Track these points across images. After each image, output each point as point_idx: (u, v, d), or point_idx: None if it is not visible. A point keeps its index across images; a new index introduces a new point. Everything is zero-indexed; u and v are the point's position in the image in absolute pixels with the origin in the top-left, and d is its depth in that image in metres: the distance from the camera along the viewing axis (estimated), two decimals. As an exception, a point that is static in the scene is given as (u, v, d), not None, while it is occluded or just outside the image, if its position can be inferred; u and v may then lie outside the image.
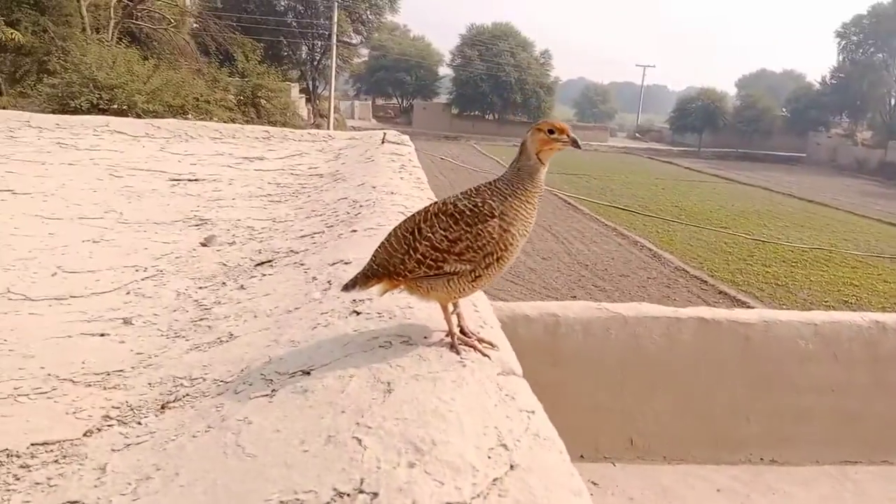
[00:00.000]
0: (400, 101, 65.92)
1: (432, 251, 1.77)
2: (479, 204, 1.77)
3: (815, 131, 64.15)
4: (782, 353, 5.65)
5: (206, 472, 1.35)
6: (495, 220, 1.75)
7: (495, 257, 1.76)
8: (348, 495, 1.18)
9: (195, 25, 30.64)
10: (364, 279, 1.92)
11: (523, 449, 1.32)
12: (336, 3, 38.10)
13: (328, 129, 30.17)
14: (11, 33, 19.07)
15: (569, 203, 27.90)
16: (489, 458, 1.28)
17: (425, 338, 1.86)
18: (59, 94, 17.41)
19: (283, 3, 42.98)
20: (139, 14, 25.09)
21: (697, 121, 63.42)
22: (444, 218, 1.78)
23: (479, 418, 1.42)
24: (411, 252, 1.80)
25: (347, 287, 1.96)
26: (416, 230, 1.81)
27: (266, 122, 23.43)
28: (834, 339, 5.70)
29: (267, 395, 1.66)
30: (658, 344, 5.64)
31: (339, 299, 2.26)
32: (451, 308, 1.89)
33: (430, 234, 1.78)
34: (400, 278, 1.85)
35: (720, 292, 17.32)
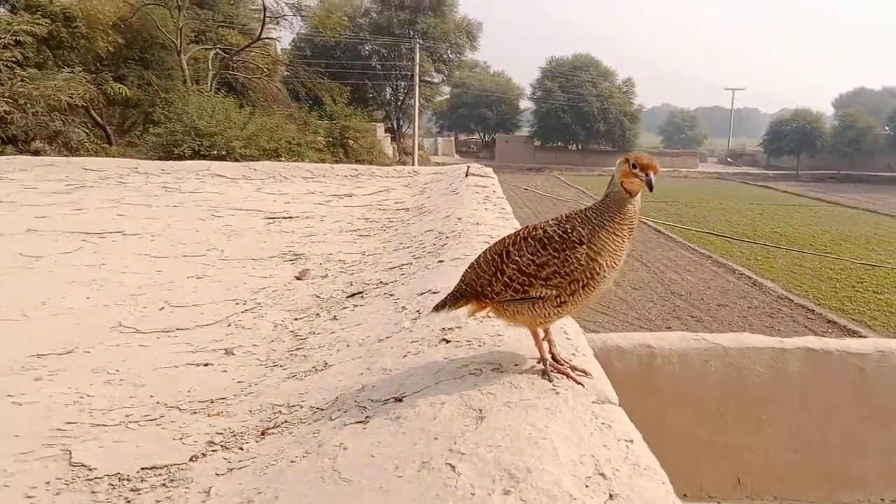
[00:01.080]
0: (482, 135, 66.60)
1: (519, 275, 1.78)
2: (569, 230, 1.77)
3: (922, 149, 60.11)
4: (900, 385, 5.26)
5: (304, 497, 1.37)
6: (584, 247, 1.75)
7: (581, 284, 1.76)
8: (444, 521, 1.17)
9: (286, 73, 32.25)
10: (453, 300, 1.94)
11: (622, 478, 1.28)
12: (418, 45, 39.24)
13: (413, 165, 30.85)
14: (119, 88, 20.62)
15: (659, 231, 27.15)
16: (587, 486, 1.24)
17: (516, 365, 1.84)
18: (164, 143, 18.61)
19: (367, 48, 44.61)
20: (235, 65, 26.66)
21: (793, 143, 60.68)
22: (532, 242, 1.79)
23: (575, 446, 1.38)
24: (499, 275, 1.81)
25: (437, 308, 2.00)
26: (504, 253, 1.83)
27: (354, 161, 24.19)
28: (954, 367, 5.26)
29: (361, 421, 1.68)
30: (763, 376, 5.36)
31: (429, 328, 2.28)
32: (541, 334, 1.87)
33: (517, 258, 1.79)
34: (487, 300, 1.86)
35: (829, 321, 16.30)
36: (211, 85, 24.33)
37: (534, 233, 1.81)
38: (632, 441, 1.44)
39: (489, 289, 1.83)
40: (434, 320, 2.33)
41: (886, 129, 65.15)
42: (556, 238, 1.77)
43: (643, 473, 1.31)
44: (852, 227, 30.95)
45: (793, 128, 61.08)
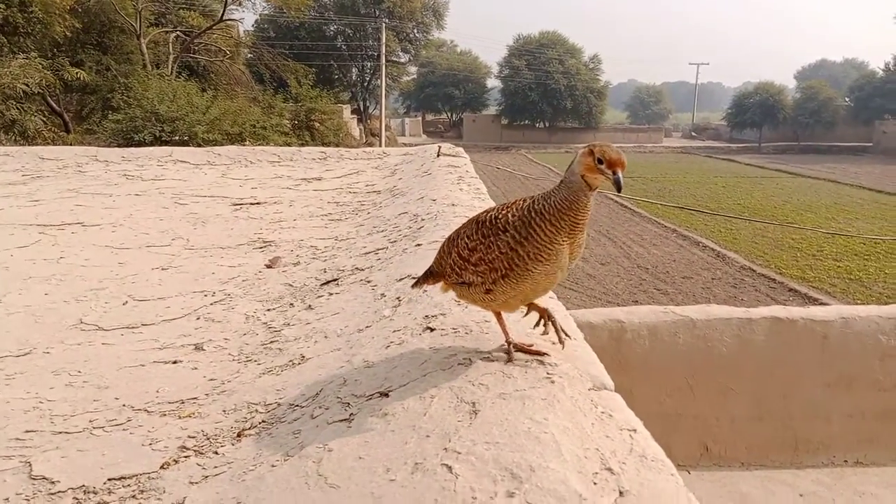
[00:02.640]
0: (450, 115, 66.22)
1: (458, 258, 1.74)
2: (500, 216, 1.66)
3: (881, 120, 61.26)
4: (862, 351, 5.36)
5: (287, 506, 1.27)
6: (507, 234, 1.61)
7: (500, 274, 1.64)
8: (444, 530, 1.08)
9: (249, 55, 31.53)
10: (423, 277, 1.95)
11: (630, 473, 1.20)
12: (384, 25, 38.65)
13: (381, 147, 30.48)
14: (77, 73, 19.94)
15: (625, 206, 27.35)
16: (595, 483, 1.16)
17: (506, 353, 1.75)
18: (124, 129, 18.07)
19: (332, 28, 43.83)
20: (196, 48, 25.94)
21: (756, 116, 61.43)
22: (471, 226, 1.74)
23: (578, 439, 1.30)
24: (446, 257, 1.80)
25: (414, 285, 2.02)
26: (456, 236, 1.79)
27: (320, 143, 23.84)
28: (918, 332, 5.37)
29: (345, 419, 1.58)
30: (729, 346, 5.40)
31: (411, 315, 2.18)
32: (507, 317, 1.84)
33: (459, 241, 1.75)
34: (445, 281, 1.84)
35: (790, 290, 16.61)
36: (172, 69, 23.69)
37: (478, 216, 1.74)
38: (635, 430, 1.36)
39: (444, 269, 1.82)
40: (416, 308, 2.23)
41: (847, 100, 66.34)
42: (488, 223, 1.67)
43: (651, 466, 1.23)
44: (813, 197, 31.55)
45: (756, 101, 61.83)
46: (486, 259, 1.64)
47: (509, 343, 1.77)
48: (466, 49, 68.29)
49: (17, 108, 17.61)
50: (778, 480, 5.15)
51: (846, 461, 5.44)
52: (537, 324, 1.85)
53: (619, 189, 1.56)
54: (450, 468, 1.24)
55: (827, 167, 45.36)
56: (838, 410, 5.43)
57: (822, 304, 14.35)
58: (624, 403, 1.51)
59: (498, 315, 1.81)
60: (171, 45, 24.68)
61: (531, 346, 1.79)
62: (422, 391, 1.59)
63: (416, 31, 45.35)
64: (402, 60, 47.09)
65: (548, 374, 1.59)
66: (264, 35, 36.43)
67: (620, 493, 1.14)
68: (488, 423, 1.37)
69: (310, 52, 38.51)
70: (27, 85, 17.05)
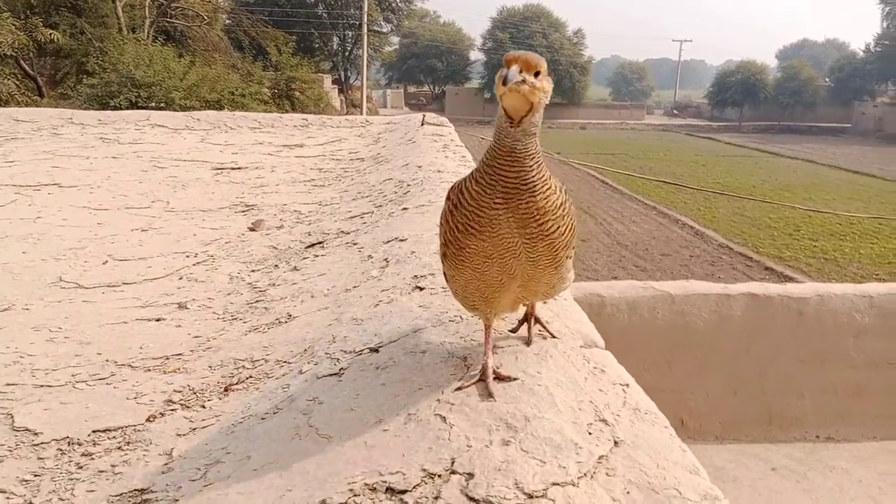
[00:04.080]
0: (432, 87, 65.58)
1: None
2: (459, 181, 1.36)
3: (860, 101, 61.81)
4: (837, 328, 5.47)
5: (279, 455, 1.26)
6: (448, 202, 1.35)
7: (441, 252, 1.40)
8: (439, 476, 1.08)
9: (228, 21, 30.87)
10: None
11: (624, 424, 1.20)
12: (366, -8, 37.97)
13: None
14: (51, 34, 19.37)
15: (606, 183, 27.43)
16: (590, 433, 1.16)
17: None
18: (99, 94, 17.68)
19: (313, -5, 43.02)
20: (173, 12, 25.33)
21: (737, 95, 61.63)
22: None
23: (571, 392, 1.30)
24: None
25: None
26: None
27: (300, 112, 23.50)
28: (891, 311, 5.50)
29: (335, 374, 1.57)
30: (707, 322, 5.48)
31: (400, 276, 2.16)
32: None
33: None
34: None
35: (766, 268, 16.82)
36: (148, 33, 23.14)
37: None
38: (627, 385, 1.36)
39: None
40: (405, 268, 2.21)
41: (827, 80, 66.77)
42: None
43: (644, 418, 1.24)
44: (791, 176, 31.87)
45: (737, 79, 61.97)
46: (440, 231, 1.39)
47: (484, 365, 1.40)
48: (450, 20, 67.51)
49: (-10, 71, 17.12)
50: (751, 454, 5.25)
51: (818, 436, 5.57)
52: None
53: (504, 83, 1.19)
54: (444, 418, 1.24)
55: (806, 147, 45.80)
56: (812, 386, 5.54)
57: (796, 282, 14.57)
58: (615, 360, 1.52)
59: (486, 328, 1.48)
60: (147, 8, 24.08)
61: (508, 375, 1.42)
62: (413, 346, 1.58)
63: (398, 0, 44.69)
64: (385, 30, 46.43)
65: (539, 330, 1.58)
66: (243, 1, 35.63)
67: (615, 442, 1.15)
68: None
69: (290, 20, 37.81)
70: (-1, 46, 16.55)
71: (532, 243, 1.26)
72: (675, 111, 73.87)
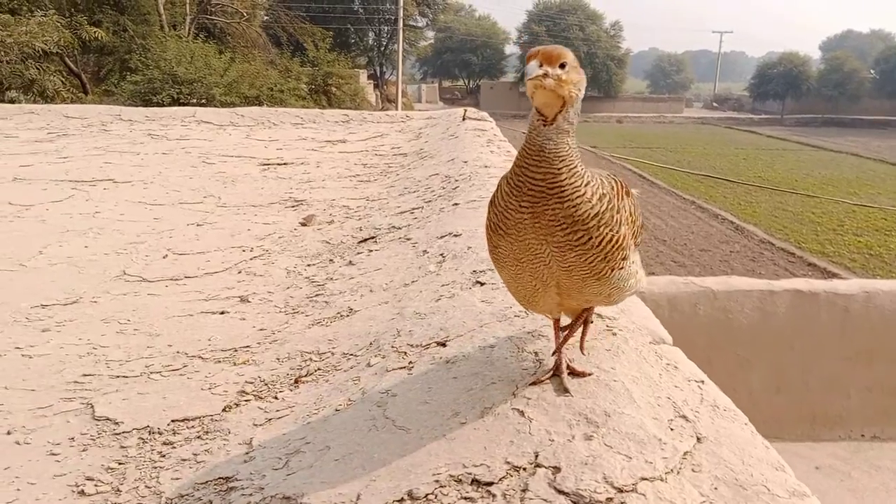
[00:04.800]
0: (466, 82, 65.44)
1: None
2: None
3: (907, 93, 59.96)
4: (884, 325, 5.36)
5: (359, 446, 1.29)
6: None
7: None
8: (524, 469, 1.09)
9: (266, 17, 31.21)
10: None
11: (705, 420, 1.20)
12: (401, -13, 38.01)
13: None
14: (95, 32, 19.80)
15: (643, 177, 27.10)
16: (671, 429, 1.17)
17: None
18: (142, 91, 18.05)
19: (349, -10, 43.23)
20: (213, 9, 25.71)
21: (779, 87, 60.28)
22: None
23: (648, 388, 1.30)
24: None
25: None
26: None
27: (337, 108, 23.67)
28: (940, 308, 5.34)
29: (405, 367, 1.59)
30: (750, 318, 5.40)
31: (458, 270, 2.18)
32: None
33: None
34: None
35: (809, 264, 16.46)
36: (188, 30, 23.53)
37: None
38: (703, 382, 1.36)
39: None
40: (462, 263, 2.23)
41: (872, 72, 64.87)
42: None
43: (724, 415, 1.23)
44: (834, 170, 31.11)
45: (779, 71, 60.63)
46: None
47: (557, 360, 1.39)
48: (485, 14, 67.19)
49: (36, 68, 17.54)
50: (794, 453, 5.17)
51: (863, 435, 5.46)
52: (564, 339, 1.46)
53: (521, 78, 1.16)
54: (521, 412, 1.25)
55: (850, 141, 44.60)
56: (857, 384, 5.43)
57: (840, 279, 14.23)
58: (685, 356, 1.51)
59: (553, 323, 1.46)
60: (187, 5, 24.47)
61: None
62: (481, 341, 1.60)
63: (434, -7, 44.65)
64: (420, 25, 46.46)
65: (608, 326, 1.59)
66: (281, -3, 36.01)
67: (698, 439, 1.15)
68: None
69: (326, 15, 38.07)
70: (45, 44, 16.95)
71: (561, 252, 1.18)
72: (714, 104, 72.47)
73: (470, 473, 1.11)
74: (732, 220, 20.44)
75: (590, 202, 1.16)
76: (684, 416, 1.21)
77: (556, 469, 1.07)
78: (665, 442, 1.12)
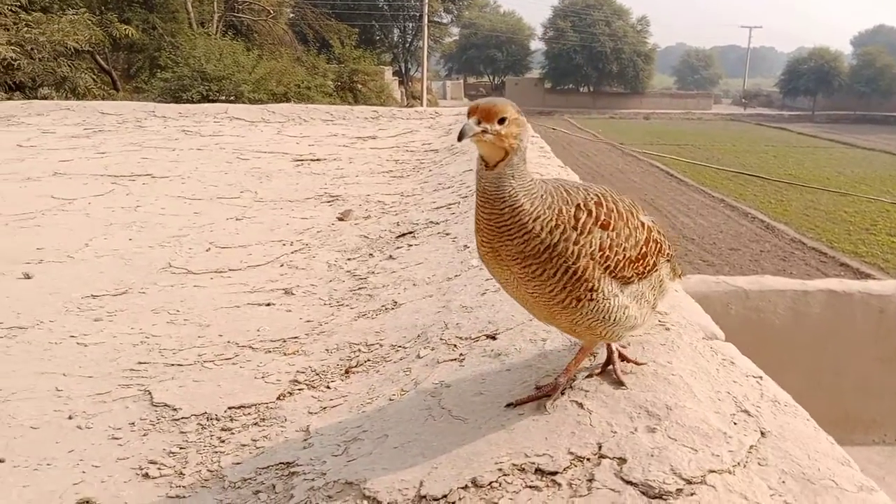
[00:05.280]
0: (491, 78, 65.29)
1: None
2: None
3: (942, 89, 58.56)
4: (920, 327, 5.23)
5: (416, 435, 1.31)
6: None
7: None
8: (588, 459, 1.10)
9: (292, 15, 31.44)
10: None
11: (767, 415, 1.20)
12: (427, -17, 38.01)
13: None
14: (125, 29, 20.08)
15: (671, 174, 26.82)
16: (735, 424, 1.17)
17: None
18: (172, 88, 18.26)
19: (374, -13, 43.33)
20: (240, 7, 25.96)
21: (810, 83, 59.27)
22: None
23: (707, 383, 1.31)
24: None
25: None
26: None
27: (363, 105, 23.76)
28: (978, 310, 5.22)
29: (455, 359, 1.61)
30: (783, 318, 5.32)
31: (502, 265, 2.18)
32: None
33: None
34: None
35: (841, 264, 16.16)
36: (216, 28, 23.78)
37: None
38: (761, 378, 1.36)
39: None
40: (506, 257, 2.23)
41: (905, 68, 63.46)
42: None
43: (785, 410, 1.23)
44: (867, 168, 30.52)
45: (810, 67, 59.61)
46: None
47: (609, 352, 1.41)
48: (510, 10, 66.83)
49: (68, 65, 17.83)
50: (826, 457, 5.10)
51: (899, 439, 5.37)
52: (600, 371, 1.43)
53: (459, 138, 1.20)
54: (581, 405, 1.26)
55: (883, 138, 43.69)
56: (892, 387, 5.33)
57: (873, 280, 13.96)
58: (738, 352, 1.51)
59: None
60: (215, 3, 24.73)
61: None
62: (531, 334, 1.61)
63: (459, -11, 44.60)
64: (445, 21, 46.44)
65: (660, 321, 1.59)
66: (306, -6, 36.23)
67: (762, 433, 1.15)
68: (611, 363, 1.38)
69: (351, 12, 38.23)
70: (77, 42, 17.23)
71: (523, 282, 1.25)
72: (743, 100, 71.45)
73: (533, 463, 1.12)
74: (763, 219, 20.14)
75: (538, 237, 1.20)
76: (746, 411, 1.21)
77: (622, 460, 1.08)
78: (730, 436, 1.12)
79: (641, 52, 56.84)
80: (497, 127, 1.20)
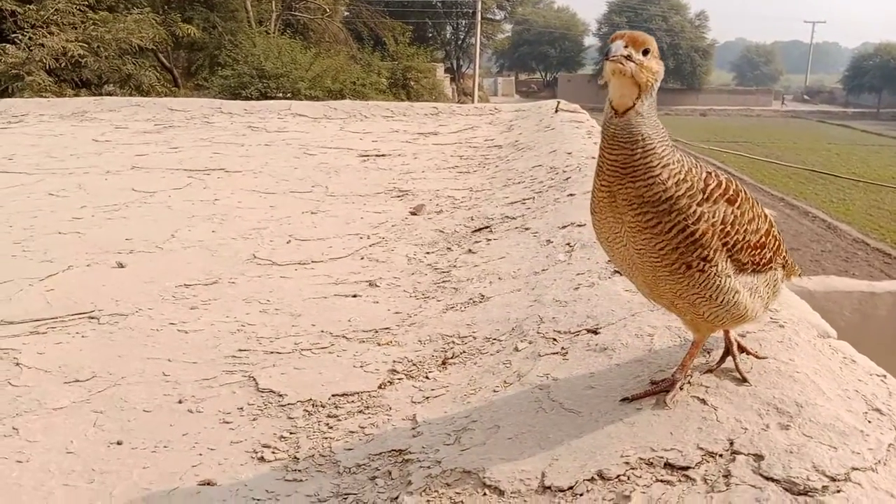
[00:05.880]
0: (543, 74, 64.77)
1: None
2: None
3: None
4: None
5: (529, 426, 1.31)
6: None
7: None
8: (720, 455, 1.09)
9: (347, 13, 31.82)
10: None
11: (899, 414, 1.17)
12: (480, -20, 37.93)
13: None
14: (188, 29, 20.63)
15: (727, 171, 26.09)
16: (869, 422, 1.14)
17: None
18: (231, 85, 18.69)
19: (428, -16, 43.48)
20: (297, 5, 26.39)
21: (875, 80, 57.03)
22: None
23: (832, 381, 1.27)
24: None
25: None
26: None
27: (416, 101, 23.87)
28: None
29: (557, 352, 1.61)
30: (849, 321, 5.16)
31: (591, 260, 2.17)
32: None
33: None
34: None
35: (907, 266, 15.53)
36: (274, 26, 24.23)
37: None
38: (885, 376, 1.32)
39: None
40: (594, 253, 2.22)
41: (979, 62, 60.45)
42: None
43: (916, 409, 1.19)
44: (937, 168, 29.18)
45: (875, 63, 57.37)
46: None
47: (727, 344, 1.38)
48: (564, 5, 66.19)
49: (133, 63, 18.41)
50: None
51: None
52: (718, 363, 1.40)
53: (603, 55, 1.16)
54: (703, 401, 1.25)
55: (953, 136, 41.72)
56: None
57: (942, 282, 13.35)
58: (856, 351, 1.47)
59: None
60: (273, 2, 25.20)
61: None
62: (636, 329, 1.59)
63: (512, -14, 44.38)
64: (498, 18, 46.28)
65: (772, 318, 1.55)
66: (361, -8, 36.60)
67: (899, 432, 1.12)
68: (728, 359, 1.36)
69: (405, 10, 38.46)
70: (142, 40, 17.77)
71: (633, 234, 1.18)
72: (805, 97, 69.14)
73: (661, 457, 1.11)
74: (824, 218, 19.50)
75: (663, 185, 1.15)
76: (878, 410, 1.18)
77: (759, 456, 1.06)
78: (867, 434, 1.10)
79: (699, 47, 55.51)
80: (641, 57, 1.16)
